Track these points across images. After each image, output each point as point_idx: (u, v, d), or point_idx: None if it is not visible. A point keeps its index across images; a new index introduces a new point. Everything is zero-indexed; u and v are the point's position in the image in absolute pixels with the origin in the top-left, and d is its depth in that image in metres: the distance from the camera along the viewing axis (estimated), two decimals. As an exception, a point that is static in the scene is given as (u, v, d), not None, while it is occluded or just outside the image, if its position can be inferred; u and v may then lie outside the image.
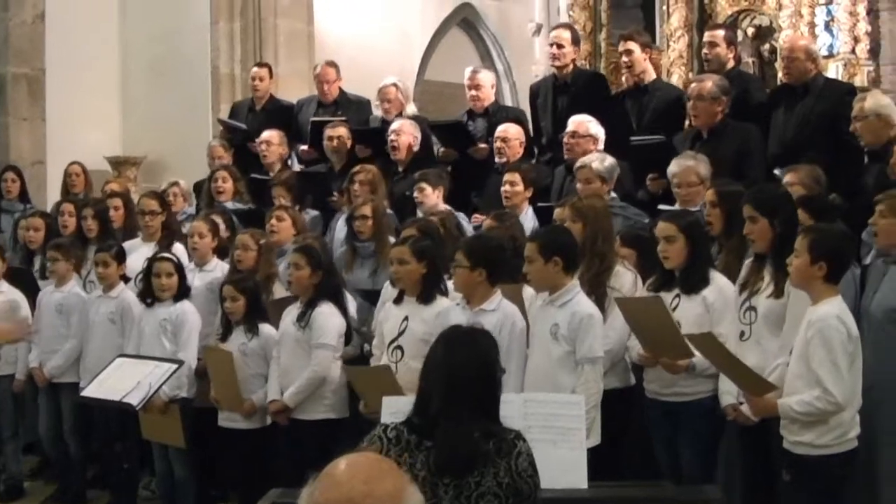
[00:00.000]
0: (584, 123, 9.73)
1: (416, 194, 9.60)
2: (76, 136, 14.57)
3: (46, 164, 14.24)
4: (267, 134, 11.48)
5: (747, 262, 6.83)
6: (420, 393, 4.57)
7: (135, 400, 8.03)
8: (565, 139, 9.75)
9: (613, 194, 8.98)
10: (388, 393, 6.56)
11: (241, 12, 15.12)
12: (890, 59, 12.61)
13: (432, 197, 9.56)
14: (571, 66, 10.90)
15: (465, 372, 4.44)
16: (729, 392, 6.67)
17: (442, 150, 10.88)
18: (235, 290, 8.27)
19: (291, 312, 8.08)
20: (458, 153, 10.80)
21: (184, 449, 8.46)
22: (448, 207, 9.51)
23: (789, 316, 6.34)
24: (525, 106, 11.55)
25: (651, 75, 10.74)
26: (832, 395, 5.74)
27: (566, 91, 10.78)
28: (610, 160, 9.04)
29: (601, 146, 9.60)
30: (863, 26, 12.38)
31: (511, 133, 10.27)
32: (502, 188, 9.48)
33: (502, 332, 6.74)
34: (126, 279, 9.23)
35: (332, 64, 12.26)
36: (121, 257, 9.19)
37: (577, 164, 9.14)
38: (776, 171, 8.91)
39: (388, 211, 9.59)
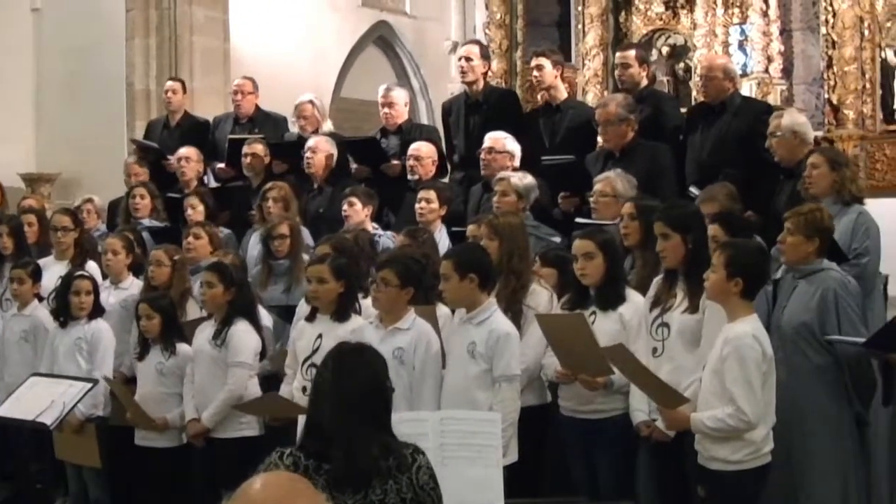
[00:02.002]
0: (500, 140, 9.76)
1: (344, 208, 9.58)
2: (-11, 153, 14.46)
3: (-41, 181, 14.11)
4: (184, 150, 11.43)
5: (657, 278, 6.87)
6: (311, 415, 4.53)
7: (48, 419, 7.93)
8: (482, 155, 9.76)
9: (528, 213, 8.98)
10: (287, 413, 7.07)
11: (156, 29, 15.09)
12: (802, 79, 12.76)
13: (361, 213, 9.55)
14: (483, 84, 10.88)
15: (357, 387, 4.40)
16: (640, 409, 6.70)
17: (355, 166, 10.86)
18: (150, 308, 8.19)
19: (205, 330, 8.03)
20: (370, 170, 10.77)
21: (98, 469, 8.38)
22: (374, 226, 9.56)
23: (706, 332, 6.38)
24: (441, 124, 11.57)
25: (562, 94, 10.70)
26: (744, 414, 5.80)
27: (478, 109, 10.77)
28: (530, 179, 9.06)
29: (517, 163, 9.65)
30: (776, 46, 12.52)
31: (423, 151, 10.29)
32: (417, 205, 9.47)
33: (417, 351, 6.77)
34: (40, 297, 9.13)
35: (249, 78, 12.27)
36: (37, 275, 9.10)
37: (498, 175, 9.18)
38: (692, 189, 8.97)
39: (302, 227, 9.57)
